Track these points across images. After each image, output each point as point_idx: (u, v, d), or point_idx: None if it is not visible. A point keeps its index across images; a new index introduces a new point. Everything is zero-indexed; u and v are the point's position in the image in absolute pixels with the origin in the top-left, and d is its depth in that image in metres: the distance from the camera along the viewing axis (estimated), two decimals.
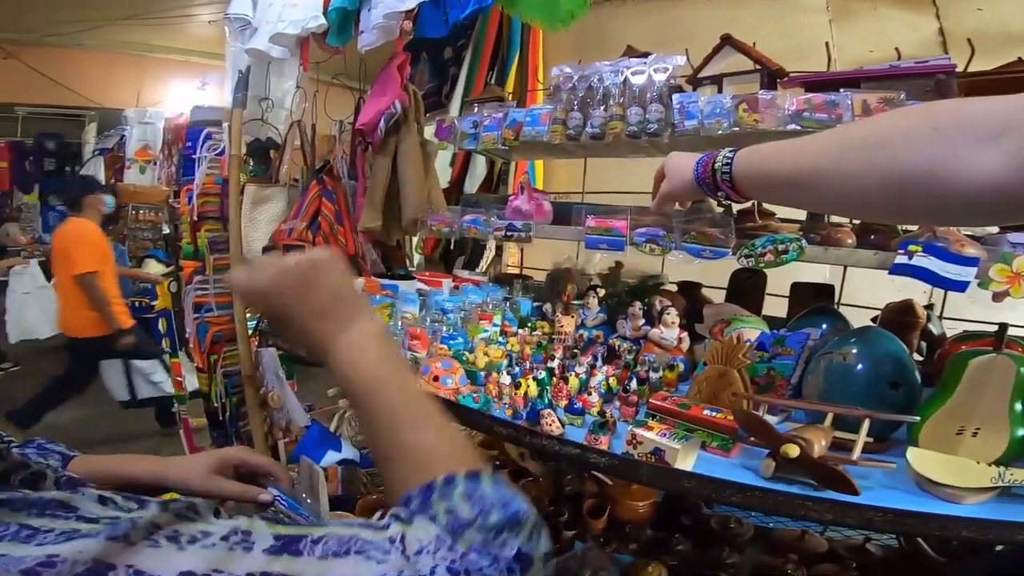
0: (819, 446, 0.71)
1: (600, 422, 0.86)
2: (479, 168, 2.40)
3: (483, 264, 2.39)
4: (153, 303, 3.27)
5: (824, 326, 1.07)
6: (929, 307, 1.35)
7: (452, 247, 2.47)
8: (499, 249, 2.35)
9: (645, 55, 1.29)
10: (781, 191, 0.70)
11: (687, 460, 0.79)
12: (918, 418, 0.80)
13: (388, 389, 0.48)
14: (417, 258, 2.40)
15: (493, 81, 2.37)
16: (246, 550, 0.36)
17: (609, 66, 1.29)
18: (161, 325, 2.54)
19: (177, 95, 5.16)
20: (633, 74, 1.25)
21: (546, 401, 0.96)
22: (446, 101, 2.44)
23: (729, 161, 0.75)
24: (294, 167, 1.95)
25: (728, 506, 0.84)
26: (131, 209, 3.52)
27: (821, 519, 0.67)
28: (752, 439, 0.81)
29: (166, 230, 3.54)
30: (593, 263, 1.59)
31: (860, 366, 0.86)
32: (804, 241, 0.98)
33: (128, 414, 3.46)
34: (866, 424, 0.75)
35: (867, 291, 1.47)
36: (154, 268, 3.19)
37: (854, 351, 0.88)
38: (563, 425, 0.90)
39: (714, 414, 0.85)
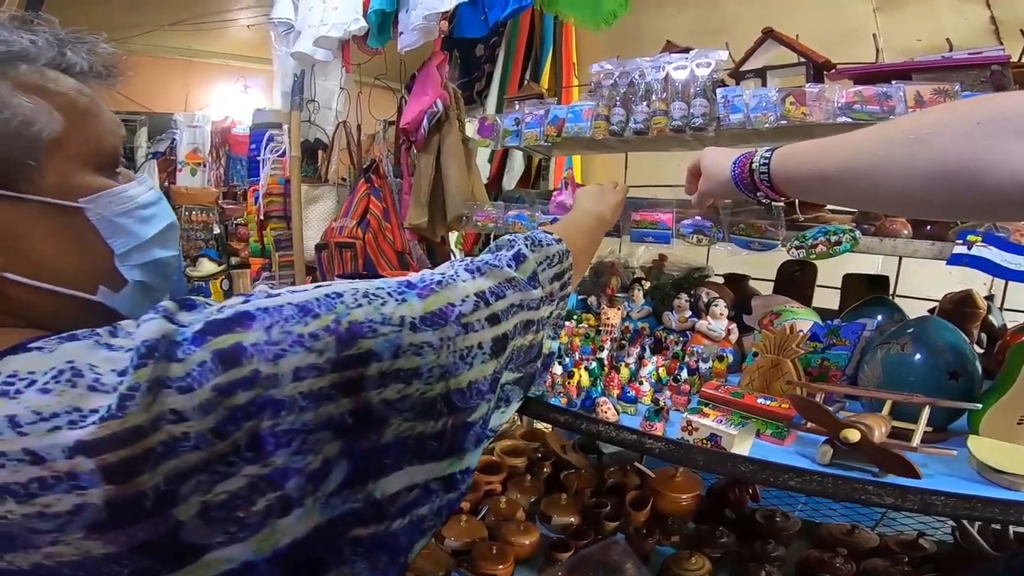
0: (879, 432, 0.72)
1: (655, 409, 0.88)
2: (517, 164, 2.43)
3: None
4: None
5: (880, 317, 1.06)
6: (989, 298, 1.32)
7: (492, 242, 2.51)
8: None
9: (686, 50, 1.30)
10: (822, 189, 0.70)
11: (743, 446, 0.80)
12: (979, 405, 0.79)
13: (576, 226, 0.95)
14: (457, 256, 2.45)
15: (528, 78, 2.39)
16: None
17: (650, 62, 1.30)
18: None
19: (220, 98, 5.32)
20: (675, 69, 1.25)
21: (600, 390, 0.99)
22: (478, 98, 2.48)
23: (767, 161, 0.74)
24: (341, 166, 2.02)
25: (786, 490, 0.85)
26: (184, 210, 3.68)
27: (882, 503, 0.68)
28: (808, 426, 0.82)
29: (216, 230, 3.69)
30: (637, 256, 1.60)
31: (918, 356, 0.86)
32: (858, 232, 0.97)
33: None
34: (926, 411, 0.76)
35: (923, 283, 1.43)
36: (207, 267, 3.34)
37: (912, 341, 0.87)
38: (618, 413, 0.93)
39: (768, 402, 0.86)
